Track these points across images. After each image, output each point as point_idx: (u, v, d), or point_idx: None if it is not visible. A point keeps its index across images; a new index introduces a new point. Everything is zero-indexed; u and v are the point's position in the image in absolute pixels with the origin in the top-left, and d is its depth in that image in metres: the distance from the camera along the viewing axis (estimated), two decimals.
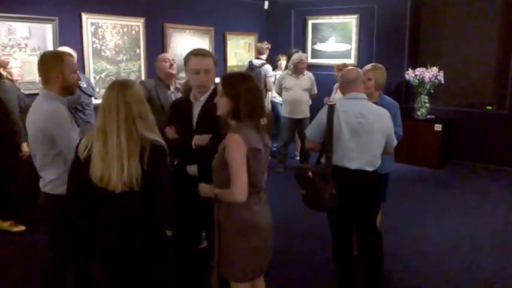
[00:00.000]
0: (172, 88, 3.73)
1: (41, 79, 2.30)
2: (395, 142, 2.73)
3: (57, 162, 2.20)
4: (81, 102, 4.13)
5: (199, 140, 2.34)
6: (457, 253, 3.51)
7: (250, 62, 6.18)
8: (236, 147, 1.89)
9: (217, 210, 2.08)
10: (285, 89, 5.54)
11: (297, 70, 5.46)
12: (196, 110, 2.44)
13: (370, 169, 2.60)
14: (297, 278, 3.12)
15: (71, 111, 3.84)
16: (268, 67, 6.00)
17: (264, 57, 6.07)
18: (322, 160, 2.69)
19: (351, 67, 2.91)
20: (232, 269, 2.07)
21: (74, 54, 3.87)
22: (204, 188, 2.09)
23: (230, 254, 2.05)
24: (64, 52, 2.43)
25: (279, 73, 6.16)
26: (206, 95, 2.44)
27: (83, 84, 4.18)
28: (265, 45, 6.10)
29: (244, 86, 1.96)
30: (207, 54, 2.44)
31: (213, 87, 2.44)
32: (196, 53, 2.42)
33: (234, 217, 2.01)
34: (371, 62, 3.39)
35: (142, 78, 5.42)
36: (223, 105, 1.99)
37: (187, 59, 2.44)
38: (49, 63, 2.24)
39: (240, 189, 1.89)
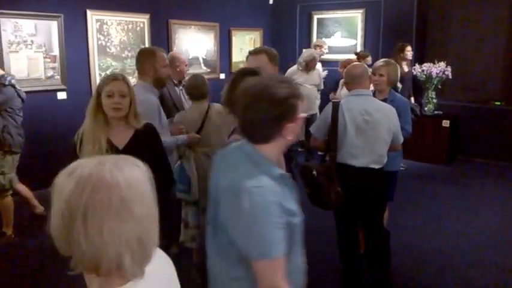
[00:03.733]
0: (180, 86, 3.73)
1: (137, 72, 2.60)
2: (401, 139, 2.70)
3: None
4: (13, 105, 3.53)
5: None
6: (464, 251, 3.47)
7: None
8: None
9: None
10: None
11: (308, 67, 5.49)
12: None
13: (376, 167, 2.57)
14: None
15: (0, 113, 3.44)
16: None
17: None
18: (327, 158, 2.67)
19: (356, 63, 2.88)
20: None
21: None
22: None
23: None
24: (156, 48, 2.68)
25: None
26: None
27: (17, 86, 3.62)
28: (314, 44, 6.28)
29: None
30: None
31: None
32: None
33: None
34: (377, 58, 3.34)
35: None
36: None
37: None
38: (143, 57, 2.49)
39: None
